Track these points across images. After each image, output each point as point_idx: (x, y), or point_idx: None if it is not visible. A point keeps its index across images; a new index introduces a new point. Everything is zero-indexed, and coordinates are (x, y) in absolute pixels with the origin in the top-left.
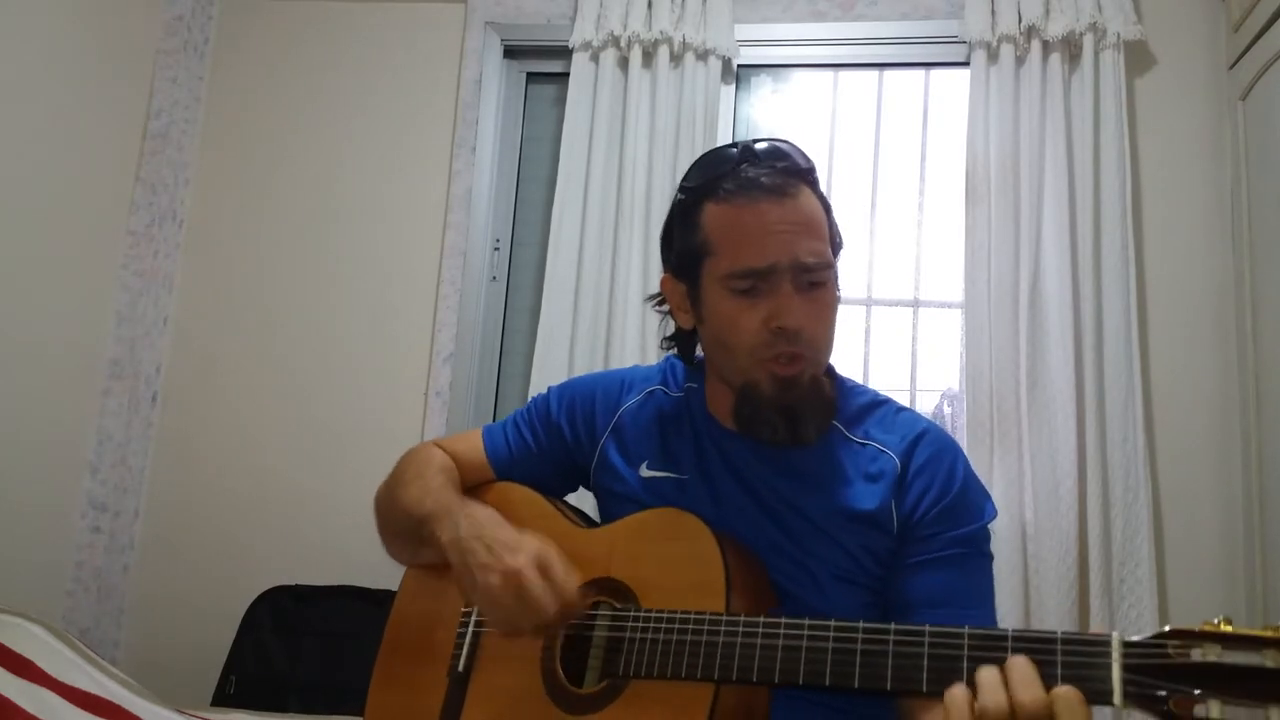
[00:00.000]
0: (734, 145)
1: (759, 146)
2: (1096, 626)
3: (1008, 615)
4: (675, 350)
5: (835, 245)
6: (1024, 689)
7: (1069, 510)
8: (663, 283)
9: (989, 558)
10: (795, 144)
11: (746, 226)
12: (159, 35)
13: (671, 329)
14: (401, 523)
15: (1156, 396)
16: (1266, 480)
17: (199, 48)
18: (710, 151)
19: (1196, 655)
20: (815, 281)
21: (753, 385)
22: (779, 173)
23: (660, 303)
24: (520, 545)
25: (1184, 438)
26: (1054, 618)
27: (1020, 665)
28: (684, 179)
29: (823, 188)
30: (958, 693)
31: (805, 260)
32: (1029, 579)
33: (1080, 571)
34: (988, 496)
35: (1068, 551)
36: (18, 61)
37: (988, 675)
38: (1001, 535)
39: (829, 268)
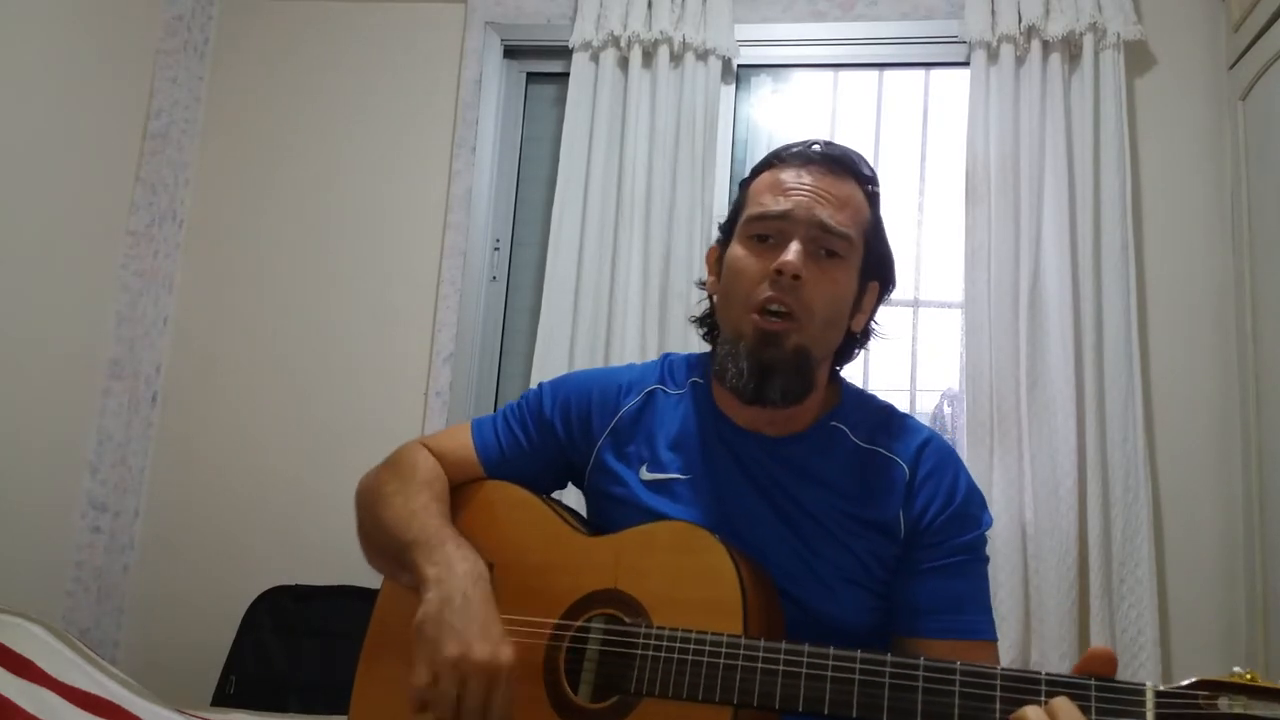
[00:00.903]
0: (815, 140)
1: (831, 144)
2: (1096, 627)
3: (1008, 615)
4: (703, 331)
5: (873, 258)
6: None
7: (1069, 510)
8: (709, 253)
9: (987, 562)
10: (867, 160)
11: (780, 179)
12: (159, 35)
13: (703, 309)
14: (381, 539)
15: (1156, 396)
16: (1266, 480)
17: (199, 48)
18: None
19: (1224, 705)
20: (831, 250)
21: (739, 335)
22: (833, 159)
23: (703, 284)
24: (496, 639)
25: (1184, 438)
26: (1054, 618)
27: (1066, 705)
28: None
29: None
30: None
31: (824, 219)
32: (1029, 579)
33: (1080, 571)
34: (985, 505)
35: (1068, 551)
36: (18, 61)
37: (1034, 714)
38: (1001, 535)
39: (847, 241)
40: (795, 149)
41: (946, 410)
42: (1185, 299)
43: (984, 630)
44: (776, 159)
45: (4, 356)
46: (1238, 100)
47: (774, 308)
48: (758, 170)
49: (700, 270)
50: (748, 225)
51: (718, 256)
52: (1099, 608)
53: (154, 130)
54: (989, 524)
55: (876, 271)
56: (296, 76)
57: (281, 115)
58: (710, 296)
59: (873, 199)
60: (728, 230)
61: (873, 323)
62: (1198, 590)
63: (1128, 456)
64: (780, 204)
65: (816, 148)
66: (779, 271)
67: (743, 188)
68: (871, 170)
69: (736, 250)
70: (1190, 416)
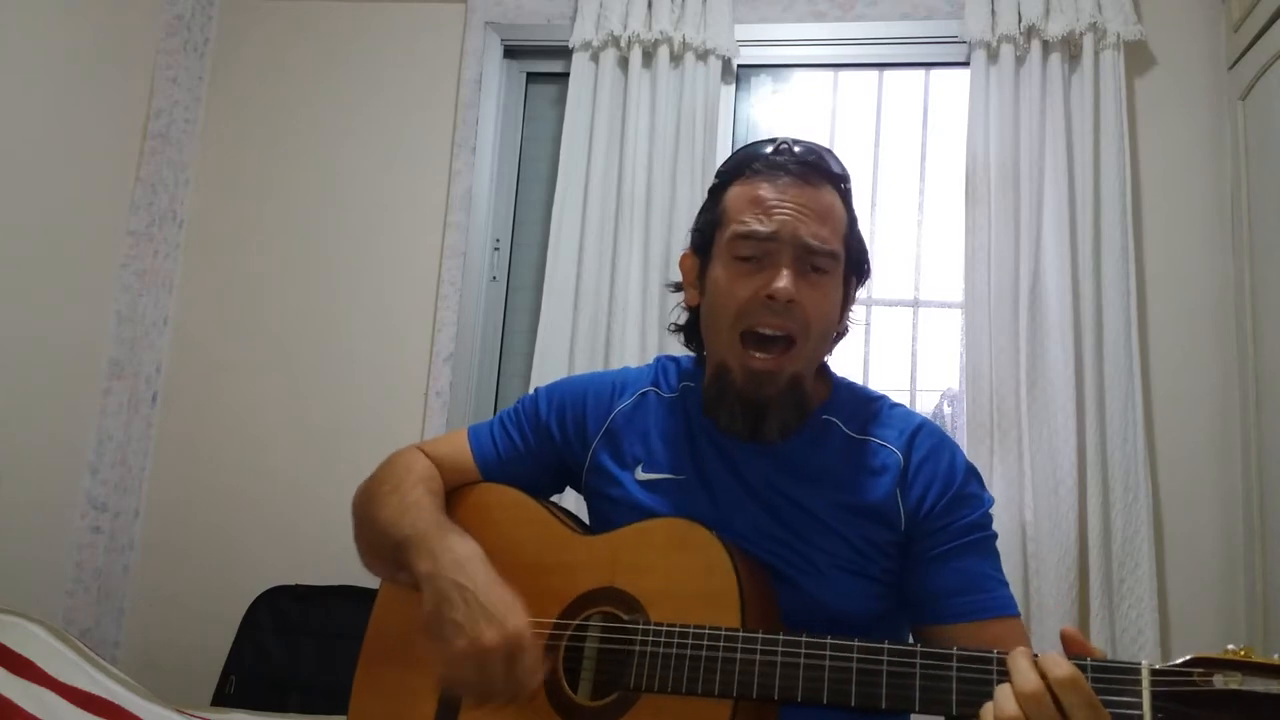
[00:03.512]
0: (772, 140)
1: (796, 144)
2: (1096, 627)
3: None
4: (681, 337)
5: (853, 258)
6: (1057, 666)
7: (1069, 510)
8: (681, 260)
9: (995, 537)
10: (834, 153)
11: (761, 195)
12: (159, 35)
13: (682, 319)
14: (377, 541)
15: (1156, 396)
16: (1266, 480)
17: (199, 48)
18: (748, 144)
19: (1219, 682)
20: (818, 267)
21: (725, 369)
22: (807, 165)
23: (677, 287)
24: (500, 616)
25: (1184, 438)
26: (1054, 618)
27: (1054, 658)
28: (720, 167)
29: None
30: (1003, 688)
31: (808, 240)
32: (1029, 579)
33: (1080, 571)
34: (983, 482)
35: (1067, 551)
36: (18, 61)
37: (1021, 660)
38: (1001, 535)
39: (834, 258)
40: (767, 155)
41: (946, 410)
42: (1185, 299)
43: (1004, 605)
44: (749, 168)
45: (4, 356)
46: (1238, 100)
47: (766, 331)
48: (728, 176)
49: None
50: (732, 245)
51: (697, 270)
52: (1099, 608)
53: (154, 130)
54: (990, 501)
55: (855, 269)
56: (296, 76)
57: (282, 115)
58: (690, 306)
59: (846, 196)
60: (705, 241)
61: (849, 314)
62: (1198, 590)
63: (1128, 456)
64: (765, 225)
65: (788, 153)
66: (771, 297)
67: (715, 194)
68: (841, 166)
69: (721, 271)
70: (1190, 416)
